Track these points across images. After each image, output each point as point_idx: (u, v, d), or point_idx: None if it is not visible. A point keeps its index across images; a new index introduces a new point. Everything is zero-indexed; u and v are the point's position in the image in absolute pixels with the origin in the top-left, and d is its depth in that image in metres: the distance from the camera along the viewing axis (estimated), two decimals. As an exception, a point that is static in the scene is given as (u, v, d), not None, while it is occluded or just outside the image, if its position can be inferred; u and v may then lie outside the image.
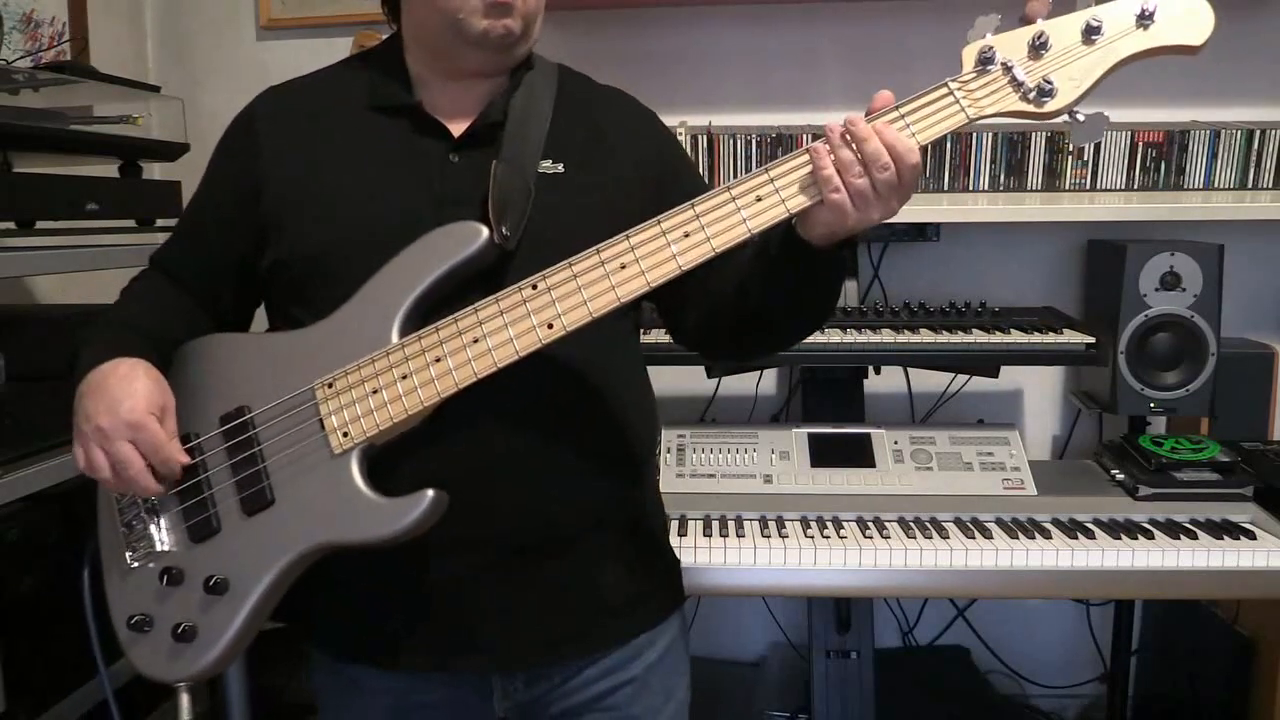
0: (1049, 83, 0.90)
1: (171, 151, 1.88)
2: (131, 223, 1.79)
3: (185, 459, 0.99)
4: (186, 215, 1.18)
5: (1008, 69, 0.91)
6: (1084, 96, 0.90)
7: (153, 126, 1.90)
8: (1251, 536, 1.58)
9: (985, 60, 0.91)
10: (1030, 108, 0.91)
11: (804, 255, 0.96)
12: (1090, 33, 0.90)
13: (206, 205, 1.14)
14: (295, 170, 1.07)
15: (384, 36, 1.17)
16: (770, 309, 1.04)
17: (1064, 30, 0.90)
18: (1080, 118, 0.91)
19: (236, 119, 1.13)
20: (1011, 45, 0.91)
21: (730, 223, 0.92)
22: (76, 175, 1.74)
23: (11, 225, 1.58)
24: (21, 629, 1.51)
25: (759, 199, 0.92)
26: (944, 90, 0.92)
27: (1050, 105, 0.90)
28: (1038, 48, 0.90)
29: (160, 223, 1.83)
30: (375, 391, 0.97)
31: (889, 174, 0.88)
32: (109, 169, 1.82)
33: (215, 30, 2.32)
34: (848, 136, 0.90)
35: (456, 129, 1.06)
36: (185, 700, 1.01)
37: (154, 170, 1.95)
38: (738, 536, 1.59)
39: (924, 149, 0.90)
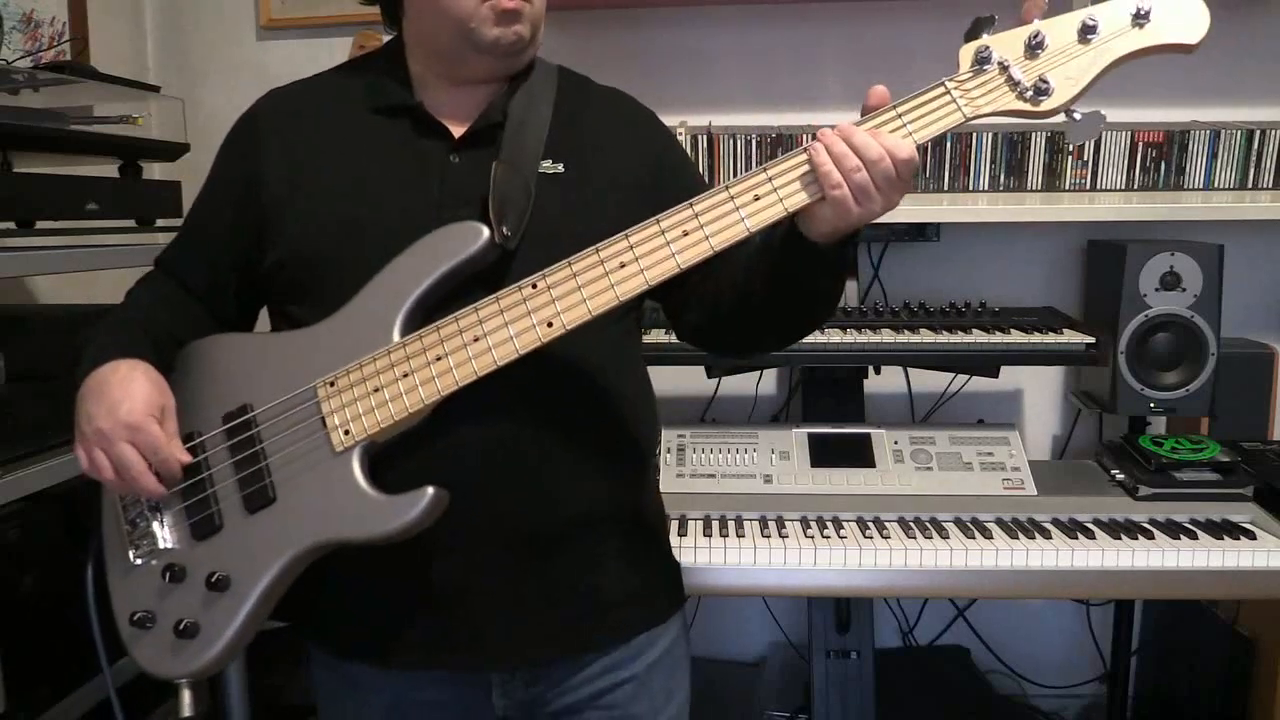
0: (1045, 82, 0.90)
1: (171, 151, 1.88)
2: (131, 223, 1.79)
3: (186, 458, 1.00)
4: (190, 217, 1.18)
5: (1004, 68, 0.91)
6: (1080, 95, 0.91)
7: (153, 126, 1.90)
8: (1251, 536, 1.58)
9: (982, 60, 0.91)
10: (1027, 106, 0.91)
11: (808, 252, 0.96)
12: (1086, 32, 0.90)
13: (209, 207, 1.15)
14: (295, 170, 1.07)
15: (384, 37, 1.17)
16: (773, 306, 1.04)
17: (1060, 30, 0.91)
18: (1077, 116, 0.92)
19: (238, 121, 1.14)
20: (1008, 45, 0.92)
21: (729, 221, 0.93)
22: (76, 175, 1.74)
23: (11, 225, 1.58)
24: (21, 629, 1.50)
25: (757, 198, 0.93)
26: (940, 90, 0.92)
27: (1047, 104, 0.91)
28: (1034, 47, 0.91)
29: (160, 223, 1.83)
30: (376, 390, 0.97)
31: (885, 164, 0.88)
32: (109, 169, 1.81)
33: (215, 30, 2.32)
34: (842, 137, 0.90)
35: (457, 130, 1.07)
36: (187, 696, 1.02)
37: (154, 170, 1.94)
38: (738, 536, 1.58)
39: (923, 149, 0.91)
